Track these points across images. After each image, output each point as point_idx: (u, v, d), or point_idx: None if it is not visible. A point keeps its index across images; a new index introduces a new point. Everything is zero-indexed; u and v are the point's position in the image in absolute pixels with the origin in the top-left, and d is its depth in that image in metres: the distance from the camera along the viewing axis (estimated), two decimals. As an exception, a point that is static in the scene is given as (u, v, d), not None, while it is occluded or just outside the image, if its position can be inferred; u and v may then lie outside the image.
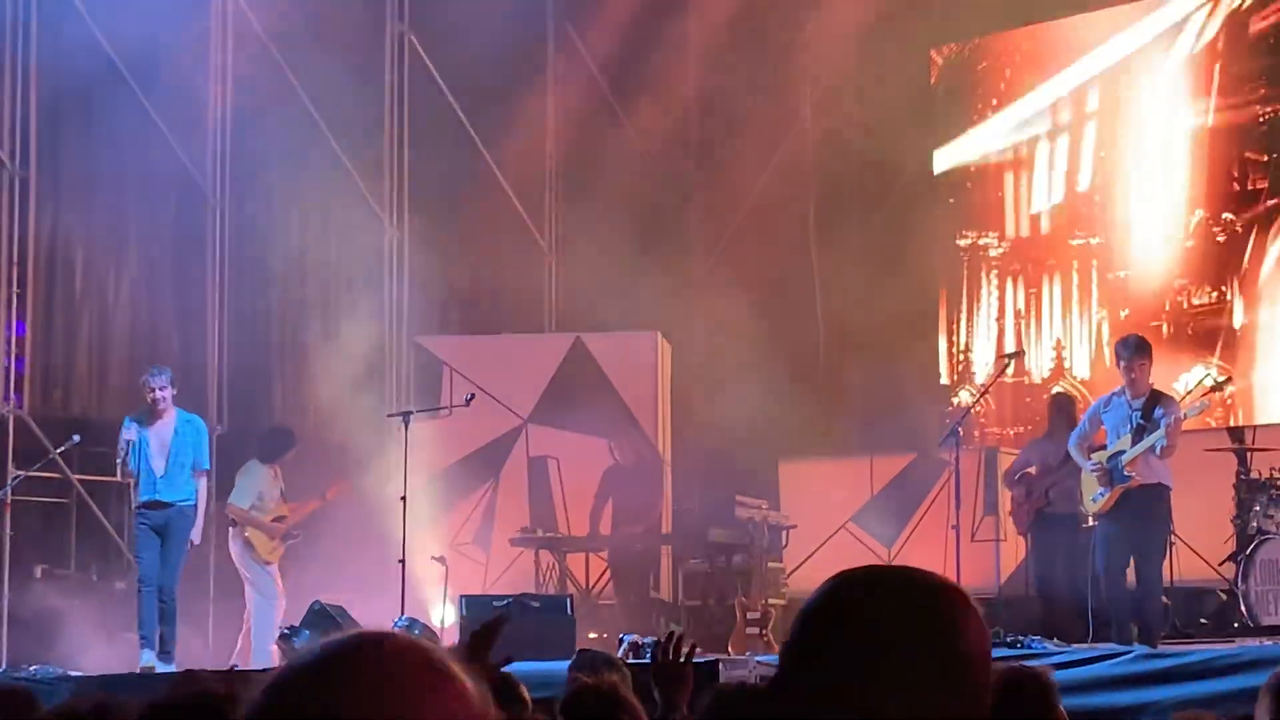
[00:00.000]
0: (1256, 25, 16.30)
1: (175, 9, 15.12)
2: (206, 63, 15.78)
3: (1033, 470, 12.91)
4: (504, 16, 16.78)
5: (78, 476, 14.42)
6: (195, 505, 12.48)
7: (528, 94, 18.25)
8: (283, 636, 12.08)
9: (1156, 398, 11.09)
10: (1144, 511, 10.98)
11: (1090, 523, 11.89)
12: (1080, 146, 17.32)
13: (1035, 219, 17.59)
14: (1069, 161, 17.41)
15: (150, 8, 14.66)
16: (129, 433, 12.31)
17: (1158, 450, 10.91)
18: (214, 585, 14.39)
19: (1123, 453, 11.00)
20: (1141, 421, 10.94)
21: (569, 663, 6.11)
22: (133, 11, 14.44)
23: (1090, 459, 11.29)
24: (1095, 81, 17.22)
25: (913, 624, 1.94)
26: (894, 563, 15.12)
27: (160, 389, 12.34)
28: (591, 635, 13.08)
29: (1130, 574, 11.13)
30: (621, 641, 11.31)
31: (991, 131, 17.87)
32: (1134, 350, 11.15)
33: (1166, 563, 11.53)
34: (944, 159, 18.06)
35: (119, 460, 12.33)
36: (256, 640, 13.05)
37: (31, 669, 11.75)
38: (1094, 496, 11.25)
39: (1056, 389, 15.97)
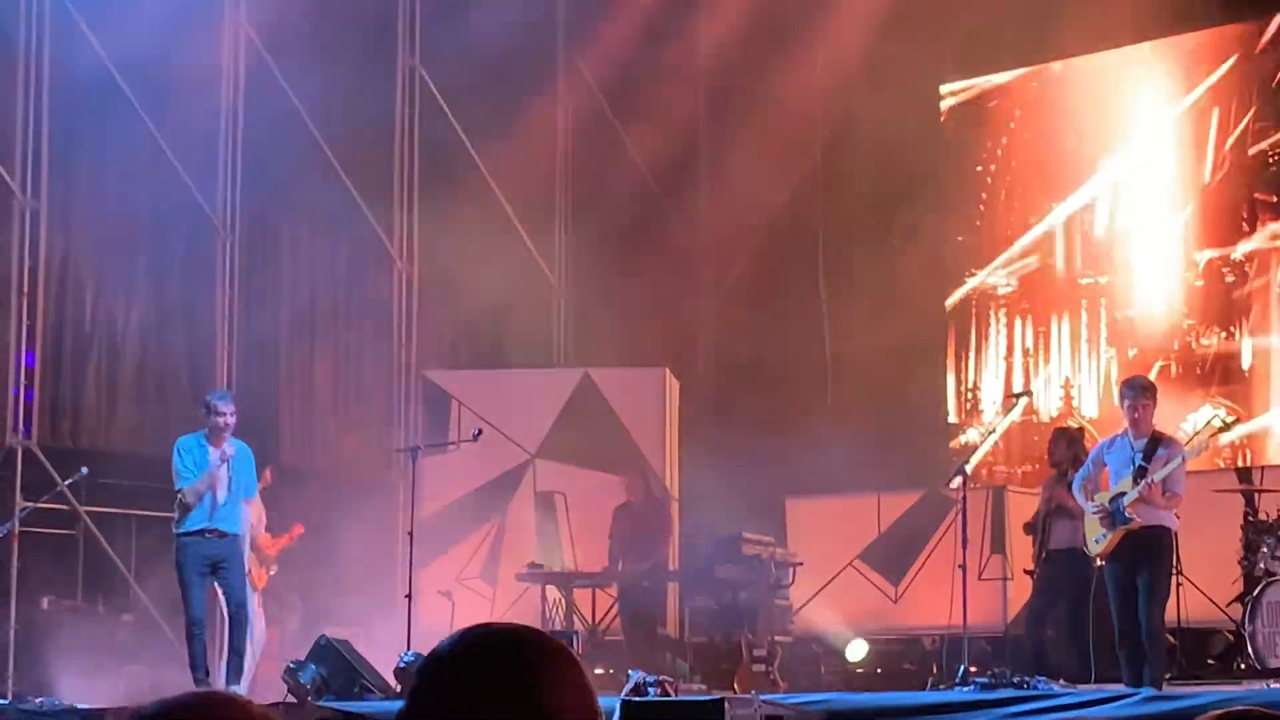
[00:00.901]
0: (1267, 67, 16.32)
1: (187, 42, 15.17)
2: (217, 95, 15.82)
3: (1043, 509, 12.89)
4: (513, 51, 16.83)
5: (85, 508, 14.41)
6: (243, 534, 12.41)
7: (536, 127, 18.29)
8: (288, 671, 12.03)
9: (1158, 439, 11.08)
10: (1145, 553, 10.94)
11: (1098, 562, 11.86)
12: (1088, 187, 17.33)
13: (1044, 258, 17.59)
14: (1076, 201, 17.41)
15: (162, 41, 14.71)
16: (231, 452, 11.95)
17: (1163, 496, 10.89)
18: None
19: (1124, 494, 10.99)
20: (1143, 463, 10.93)
21: None
22: (144, 44, 14.48)
23: (1093, 501, 11.28)
24: (1104, 122, 17.24)
25: (498, 679, 2.07)
26: (898, 601, 15.10)
27: (231, 414, 12.07)
28: (599, 671, 13.05)
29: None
30: (629, 678, 11.26)
31: (999, 170, 17.89)
32: (1138, 391, 11.15)
33: (1173, 603, 11.49)
34: (952, 195, 18.08)
35: (192, 483, 11.93)
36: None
37: (38, 701, 11.71)
38: (1096, 539, 11.22)
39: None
